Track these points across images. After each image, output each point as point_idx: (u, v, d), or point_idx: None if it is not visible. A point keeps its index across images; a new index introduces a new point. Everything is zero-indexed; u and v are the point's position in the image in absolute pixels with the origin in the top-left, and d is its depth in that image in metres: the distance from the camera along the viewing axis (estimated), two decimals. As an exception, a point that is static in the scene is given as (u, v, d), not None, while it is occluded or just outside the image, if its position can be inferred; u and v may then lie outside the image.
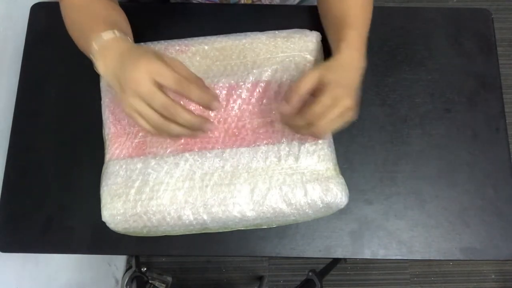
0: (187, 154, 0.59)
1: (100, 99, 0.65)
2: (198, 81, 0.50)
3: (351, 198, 0.65)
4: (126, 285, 1.10)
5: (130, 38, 0.57)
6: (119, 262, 1.32)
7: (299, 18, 0.72)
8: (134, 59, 0.48)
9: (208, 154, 0.59)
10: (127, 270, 1.27)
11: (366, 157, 0.66)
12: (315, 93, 0.53)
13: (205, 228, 0.59)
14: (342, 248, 0.63)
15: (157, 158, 0.59)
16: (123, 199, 0.58)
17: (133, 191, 0.58)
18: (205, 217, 0.58)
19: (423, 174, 0.66)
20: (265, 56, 0.63)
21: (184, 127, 0.49)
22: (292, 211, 0.58)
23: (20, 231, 0.64)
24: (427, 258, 0.63)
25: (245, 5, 0.77)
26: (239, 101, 0.61)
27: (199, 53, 0.64)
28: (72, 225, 0.64)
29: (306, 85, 0.52)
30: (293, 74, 0.62)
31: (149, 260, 1.40)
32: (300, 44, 0.64)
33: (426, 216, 0.64)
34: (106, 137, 0.62)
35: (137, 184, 0.58)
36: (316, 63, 0.64)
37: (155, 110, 0.47)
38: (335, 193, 0.58)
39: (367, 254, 0.63)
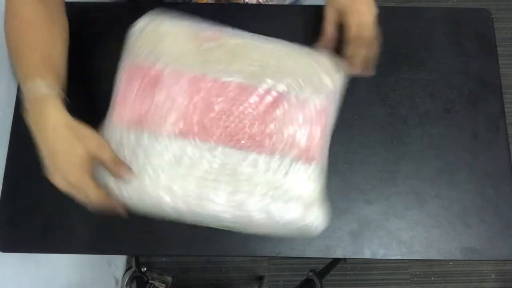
0: (181, 140, 0.58)
1: (100, 98, 0.65)
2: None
3: (351, 198, 0.65)
4: (126, 285, 1.10)
5: (62, 87, 0.56)
6: (119, 262, 1.32)
7: (292, 18, 0.72)
8: (64, 161, 0.52)
9: (202, 146, 0.58)
10: (127, 270, 1.27)
11: (366, 157, 0.66)
12: None
13: (181, 218, 0.59)
14: (342, 248, 0.63)
15: (151, 136, 0.58)
16: None
17: None
18: (183, 206, 0.57)
19: (423, 174, 0.66)
20: (286, 67, 0.62)
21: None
22: (266, 223, 0.58)
23: (20, 231, 0.64)
24: (427, 258, 0.63)
25: (242, 4, 0.77)
26: (246, 103, 0.61)
27: (224, 46, 0.63)
28: (72, 225, 0.64)
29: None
30: (306, 95, 0.61)
31: (149, 260, 1.40)
32: (323, 66, 0.63)
33: (426, 216, 0.64)
34: (112, 101, 0.61)
35: (126, 157, 0.57)
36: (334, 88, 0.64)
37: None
38: (313, 219, 0.58)
39: (367, 254, 0.63)
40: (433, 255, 0.63)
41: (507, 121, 0.68)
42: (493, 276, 1.41)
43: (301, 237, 0.61)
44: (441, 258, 0.63)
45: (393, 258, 0.63)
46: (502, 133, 0.68)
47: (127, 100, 0.60)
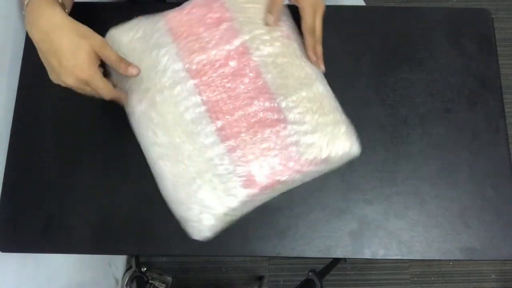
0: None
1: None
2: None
3: (351, 198, 0.65)
4: (126, 285, 1.10)
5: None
6: (119, 262, 1.32)
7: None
8: (70, 62, 0.52)
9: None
10: (127, 270, 1.28)
11: (366, 157, 0.66)
12: None
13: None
14: (342, 248, 0.63)
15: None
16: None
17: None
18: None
19: (423, 174, 0.66)
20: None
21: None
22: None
23: (20, 231, 0.64)
24: (427, 258, 0.63)
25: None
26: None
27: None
28: (72, 225, 0.64)
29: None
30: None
31: (149, 260, 1.40)
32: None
33: (426, 216, 0.64)
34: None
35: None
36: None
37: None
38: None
39: (367, 254, 0.63)
40: (433, 255, 0.63)
41: (507, 121, 0.68)
42: (493, 276, 1.41)
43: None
44: (441, 258, 0.63)
45: (393, 258, 0.63)
46: (502, 133, 0.68)
47: (182, 13, 0.64)
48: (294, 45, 0.64)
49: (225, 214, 0.58)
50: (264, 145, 0.59)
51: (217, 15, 0.64)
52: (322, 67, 0.65)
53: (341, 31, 0.72)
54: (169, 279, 1.35)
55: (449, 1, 1.66)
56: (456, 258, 0.63)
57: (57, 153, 0.67)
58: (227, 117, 0.60)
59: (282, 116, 0.60)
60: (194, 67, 0.62)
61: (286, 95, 0.61)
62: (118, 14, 0.68)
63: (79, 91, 0.55)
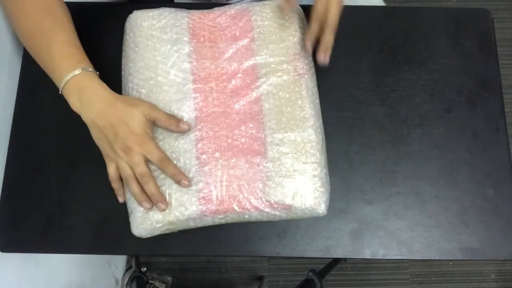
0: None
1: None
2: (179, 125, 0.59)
3: (351, 198, 0.65)
4: (126, 285, 1.10)
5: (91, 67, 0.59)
6: (119, 262, 1.32)
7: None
8: (126, 129, 0.55)
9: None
10: (127, 270, 1.28)
11: (366, 157, 0.66)
12: None
13: None
14: (342, 248, 0.63)
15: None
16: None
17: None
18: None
19: (423, 174, 0.66)
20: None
21: (144, 194, 0.57)
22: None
23: (20, 231, 0.64)
24: (427, 258, 0.63)
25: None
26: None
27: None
28: (72, 225, 0.64)
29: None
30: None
31: (149, 260, 1.40)
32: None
33: (426, 216, 0.64)
34: None
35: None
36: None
37: (132, 172, 0.57)
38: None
39: (367, 254, 0.63)
40: (433, 255, 0.63)
41: (507, 121, 0.68)
42: (493, 276, 1.41)
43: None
44: (441, 258, 0.63)
45: (393, 258, 0.63)
46: (502, 133, 0.68)
47: (208, 17, 0.66)
48: (302, 85, 0.62)
49: (171, 223, 0.57)
50: (234, 171, 0.58)
51: (240, 30, 0.64)
52: (322, 58, 0.62)
53: (341, 31, 0.72)
54: (169, 279, 1.35)
55: (449, 1, 1.66)
56: (456, 258, 0.63)
57: (57, 153, 0.67)
58: (210, 132, 0.60)
59: (263, 149, 0.59)
60: (200, 72, 0.62)
61: (275, 130, 0.60)
62: (119, 14, 0.68)
63: (125, 170, 0.57)
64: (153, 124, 0.58)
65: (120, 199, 0.61)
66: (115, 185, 0.60)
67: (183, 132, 0.59)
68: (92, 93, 0.56)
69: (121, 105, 0.56)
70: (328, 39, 0.61)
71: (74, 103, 0.56)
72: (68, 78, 0.55)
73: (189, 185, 0.57)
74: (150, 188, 0.56)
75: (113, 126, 0.55)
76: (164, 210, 0.56)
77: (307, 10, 0.66)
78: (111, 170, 0.58)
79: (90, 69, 0.57)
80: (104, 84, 0.57)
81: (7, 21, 0.71)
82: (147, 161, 0.57)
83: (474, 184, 0.65)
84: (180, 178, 0.57)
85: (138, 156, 0.55)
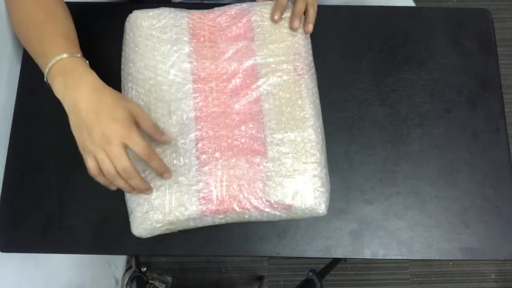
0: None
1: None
2: (160, 136, 0.57)
3: (351, 198, 0.65)
4: (126, 285, 1.10)
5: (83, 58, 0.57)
6: (119, 262, 1.32)
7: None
8: (110, 116, 0.51)
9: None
10: (127, 270, 1.28)
11: (366, 157, 0.66)
12: None
13: None
14: (342, 248, 0.63)
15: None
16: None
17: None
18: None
19: (423, 174, 0.66)
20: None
21: (130, 187, 0.54)
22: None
23: (20, 231, 0.64)
24: (427, 258, 0.63)
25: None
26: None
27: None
28: (72, 225, 0.64)
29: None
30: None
31: (149, 260, 1.40)
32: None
33: (426, 216, 0.64)
34: None
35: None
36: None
37: (114, 166, 0.52)
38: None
39: (367, 254, 0.63)
40: (433, 255, 0.63)
41: (507, 121, 0.68)
42: (493, 276, 1.41)
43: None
44: (441, 258, 0.63)
45: (393, 258, 0.63)
46: (502, 133, 0.68)
47: (208, 17, 0.66)
48: (302, 85, 0.62)
49: (171, 223, 0.57)
50: (235, 171, 0.58)
51: (240, 30, 0.64)
52: (296, 25, 0.64)
53: (341, 31, 0.72)
54: (169, 279, 1.35)
55: (449, 1, 1.66)
56: (456, 258, 0.63)
57: (57, 153, 0.67)
58: (210, 132, 0.60)
59: (263, 149, 0.59)
60: (200, 72, 0.62)
61: (275, 130, 0.60)
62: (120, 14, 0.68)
63: (105, 160, 0.52)
64: (137, 123, 0.55)
65: (113, 187, 0.56)
66: (100, 178, 0.54)
67: (164, 143, 0.59)
68: (78, 77, 0.53)
69: (109, 92, 0.53)
70: (299, 8, 0.63)
71: (58, 87, 0.53)
72: (54, 62, 0.53)
73: (170, 177, 0.57)
74: (137, 183, 0.54)
75: (96, 112, 0.51)
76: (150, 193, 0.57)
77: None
78: (90, 163, 0.53)
79: (78, 55, 0.56)
80: (92, 71, 0.55)
81: (7, 20, 0.71)
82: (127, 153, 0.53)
83: (474, 184, 0.65)
84: (164, 171, 0.56)
85: (117, 148, 0.51)
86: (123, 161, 0.51)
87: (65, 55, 0.54)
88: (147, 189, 0.56)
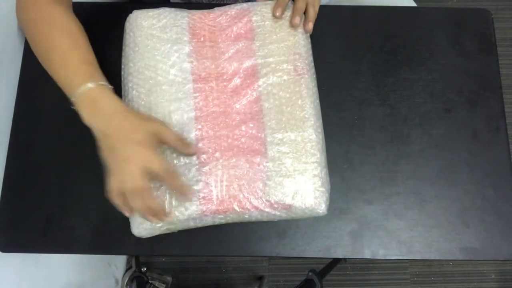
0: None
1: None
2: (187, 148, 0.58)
3: (351, 198, 0.65)
4: (126, 285, 1.10)
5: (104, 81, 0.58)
6: (119, 262, 1.32)
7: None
8: (130, 140, 0.53)
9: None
10: (127, 270, 1.28)
11: (366, 157, 0.66)
12: None
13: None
14: (342, 248, 0.63)
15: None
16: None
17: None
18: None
19: (423, 174, 0.66)
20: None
21: (147, 207, 0.54)
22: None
23: (20, 231, 0.64)
24: (427, 258, 0.63)
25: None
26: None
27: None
28: (72, 225, 0.64)
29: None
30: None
31: (149, 260, 1.40)
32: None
33: (426, 216, 0.64)
34: None
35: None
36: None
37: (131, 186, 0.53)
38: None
39: (367, 254, 0.63)
40: (433, 255, 0.63)
41: (507, 121, 0.68)
42: (493, 276, 1.41)
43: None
44: (441, 258, 0.63)
45: (393, 258, 0.63)
46: (502, 133, 0.68)
47: (208, 17, 0.66)
48: (302, 85, 0.62)
49: (170, 223, 0.57)
50: (235, 171, 0.58)
51: (240, 30, 0.64)
52: (296, 22, 0.64)
53: (341, 31, 0.72)
54: (169, 279, 1.35)
55: (449, 1, 1.66)
56: (456, 258, 0.63)
57: (57, 153, 0.67)
58: (210, 132, 0.60)
59: (263, 149, 0.59)
60: (200, 72, 0.62)
61: (275, 130, 0.60)
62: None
63: (130, 185, 0.53)
64: (161, 142, 0.56)
65: (128, 213, 0.56)
66: (117, 200, 0.55)
67: (188, 155, 0.59)
68: (105, 105, 0.55)
69: (129, 117, 0.55)
70: (300, 6, 0.64)
71: (86, 115, 0.55)
72: (82, 90, 0.55)
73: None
74: (153, 204, 0.54)
75: (118, 138, 0.54)
76: (161, 221, 0.56)
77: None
78: (112, 184, 0.54)
79: (103, 83, 0.57)
80: (115, 97, 0.56)
81: (8, 20, 0.71)
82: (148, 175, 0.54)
83: (474, 184, 0.65)
84: (187, 191, 0.56)
85: (136, 168, 0.52)
86: (139, 180, 0.52)
87: (90, 85, 0.55)
88: (163, 214, 0.56)
